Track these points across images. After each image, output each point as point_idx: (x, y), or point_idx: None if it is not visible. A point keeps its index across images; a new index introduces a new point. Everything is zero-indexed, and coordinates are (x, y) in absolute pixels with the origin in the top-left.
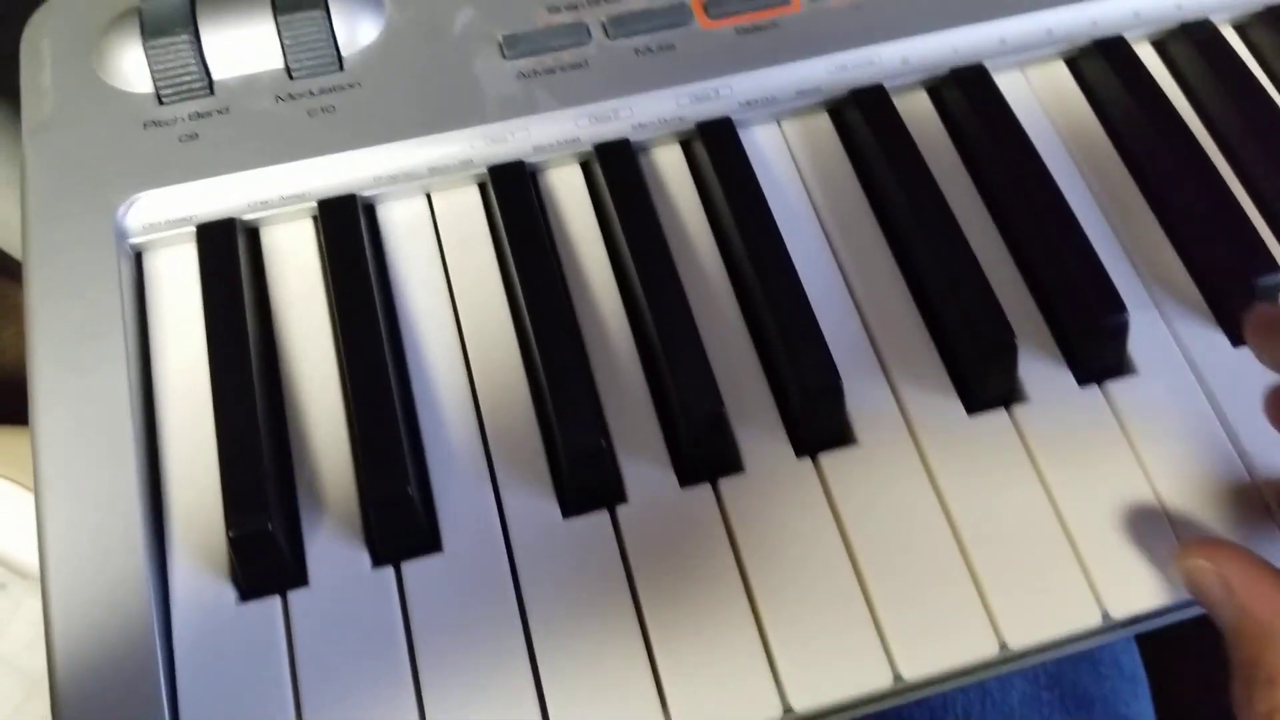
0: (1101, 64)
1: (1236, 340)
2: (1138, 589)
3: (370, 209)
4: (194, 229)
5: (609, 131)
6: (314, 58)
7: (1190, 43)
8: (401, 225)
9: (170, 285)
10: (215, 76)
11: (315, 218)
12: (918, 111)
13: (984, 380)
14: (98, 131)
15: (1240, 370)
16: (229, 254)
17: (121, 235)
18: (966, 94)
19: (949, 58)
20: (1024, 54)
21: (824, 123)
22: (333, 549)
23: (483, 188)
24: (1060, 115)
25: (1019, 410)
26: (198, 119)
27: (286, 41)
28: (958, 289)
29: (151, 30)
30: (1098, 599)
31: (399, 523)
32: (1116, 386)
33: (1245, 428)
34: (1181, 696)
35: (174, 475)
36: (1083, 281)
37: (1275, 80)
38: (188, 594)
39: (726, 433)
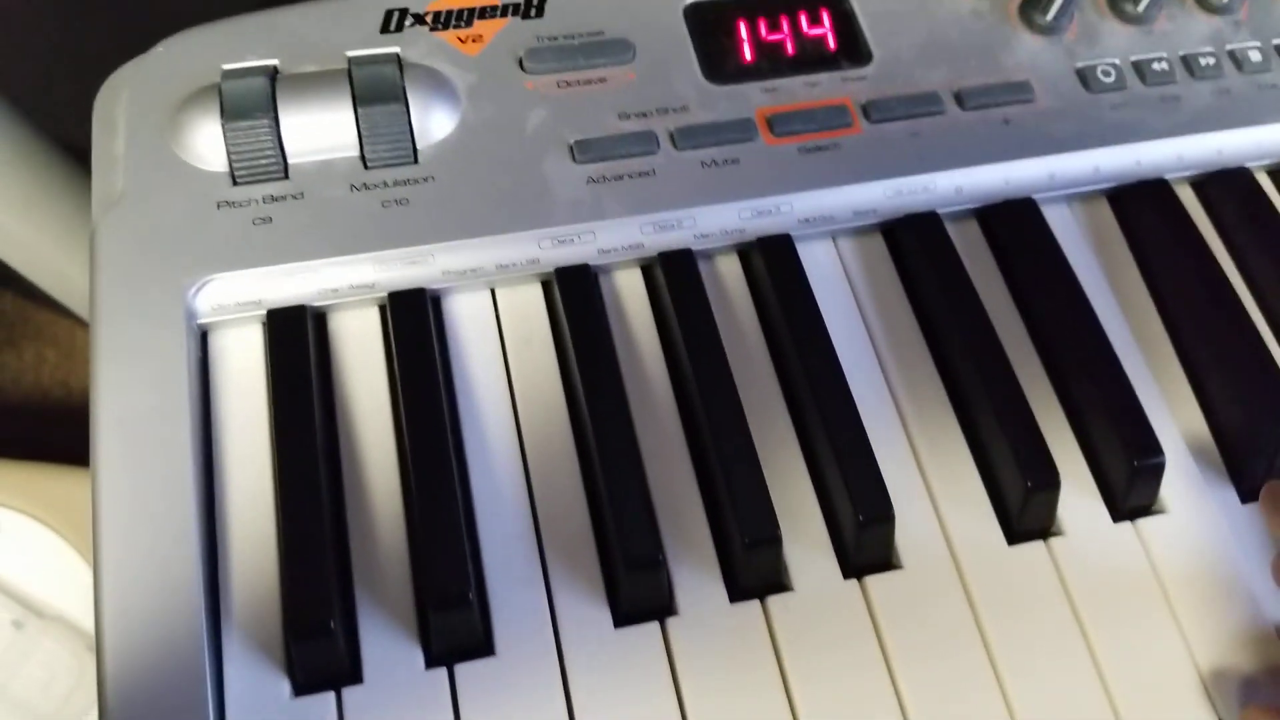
0: (1144, 203)
1: (1245, 497)
2: None
3: (436, 300)
4: (263, 313)
5: (672, 240)
6: (390, 149)
7: (1228, 188)
8: (466, 319)
9: (236, 365)
10: (291, 160)
11: (382, 306)
12: (969, 238)
13: (1024, 515)
14: (171, 208)
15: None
16: (299, 345)
17: (191, 315)
18: (1016, 226)
19: (1000, 189)
20: (1071, 189)
21: (878, 244)
22: (388, 647)
23: (546, 285)
24: (1103, 249)
25: (1056, 544)
26: (272, 202)
27: (364, 131)
28: (1005, 424)
29: (231, 111)
30: None
31: (457, 626)
32: (1149, 525)
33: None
34: None
35: (233, 562)
36: (1123, 422)
37: None
38: (242, 685)
39: (779, 556)
